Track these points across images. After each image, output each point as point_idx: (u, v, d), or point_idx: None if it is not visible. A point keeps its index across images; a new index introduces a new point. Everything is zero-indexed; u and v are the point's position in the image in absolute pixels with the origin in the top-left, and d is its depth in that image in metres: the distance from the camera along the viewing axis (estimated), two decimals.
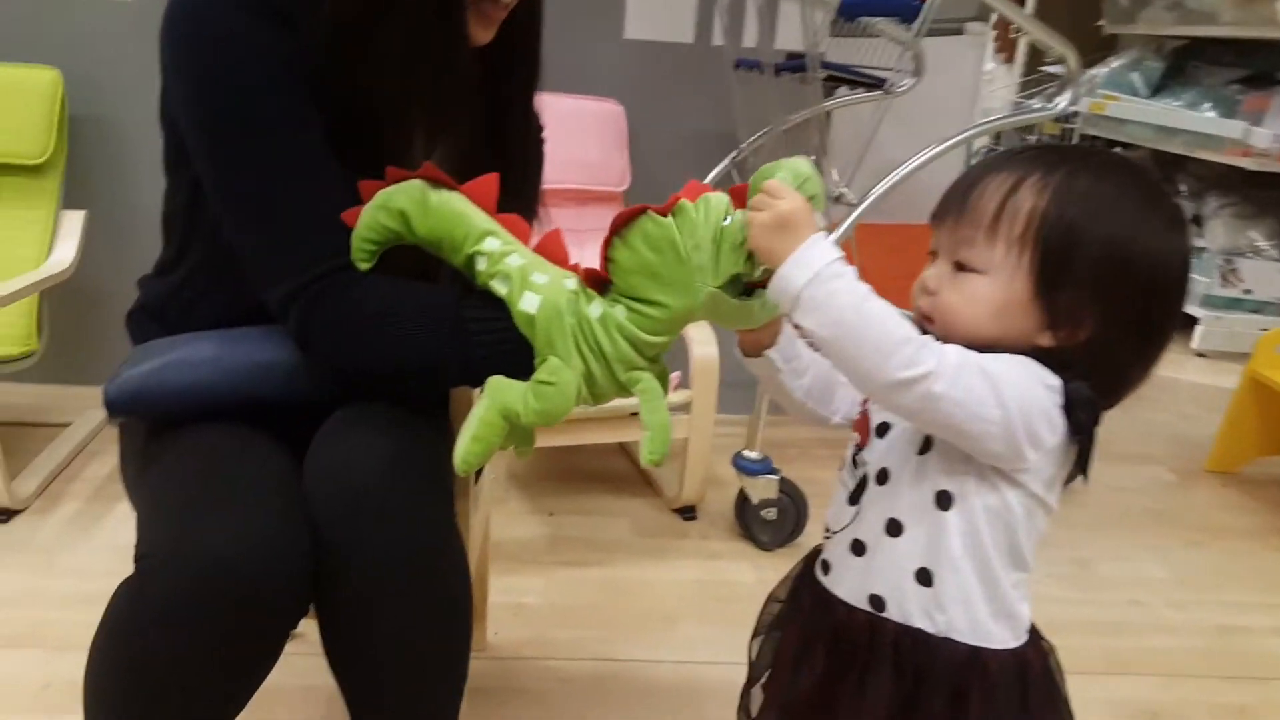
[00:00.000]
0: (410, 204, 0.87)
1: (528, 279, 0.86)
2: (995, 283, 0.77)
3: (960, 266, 0.79)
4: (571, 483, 2.14)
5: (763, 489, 1.87)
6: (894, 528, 0.82)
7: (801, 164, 0.82)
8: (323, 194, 0.90)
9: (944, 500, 0.80)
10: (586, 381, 0.85)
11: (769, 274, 0.78)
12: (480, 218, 0.88)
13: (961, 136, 1.80)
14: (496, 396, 0.84)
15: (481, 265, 0.88)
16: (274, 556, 0.83)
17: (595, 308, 0.85)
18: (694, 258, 0.80)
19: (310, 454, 0.92)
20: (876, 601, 0.83)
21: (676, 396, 1.85)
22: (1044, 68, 4.93)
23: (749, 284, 0.83)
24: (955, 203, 0.80)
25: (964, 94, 2.68)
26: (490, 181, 0.89)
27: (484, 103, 1.05)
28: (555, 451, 2.27)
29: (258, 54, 0.89)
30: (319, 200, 0.90)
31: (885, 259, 2.60)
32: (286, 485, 0.90)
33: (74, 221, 2.10)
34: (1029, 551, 0.81)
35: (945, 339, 0.78)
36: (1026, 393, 0.74)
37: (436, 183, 0.88)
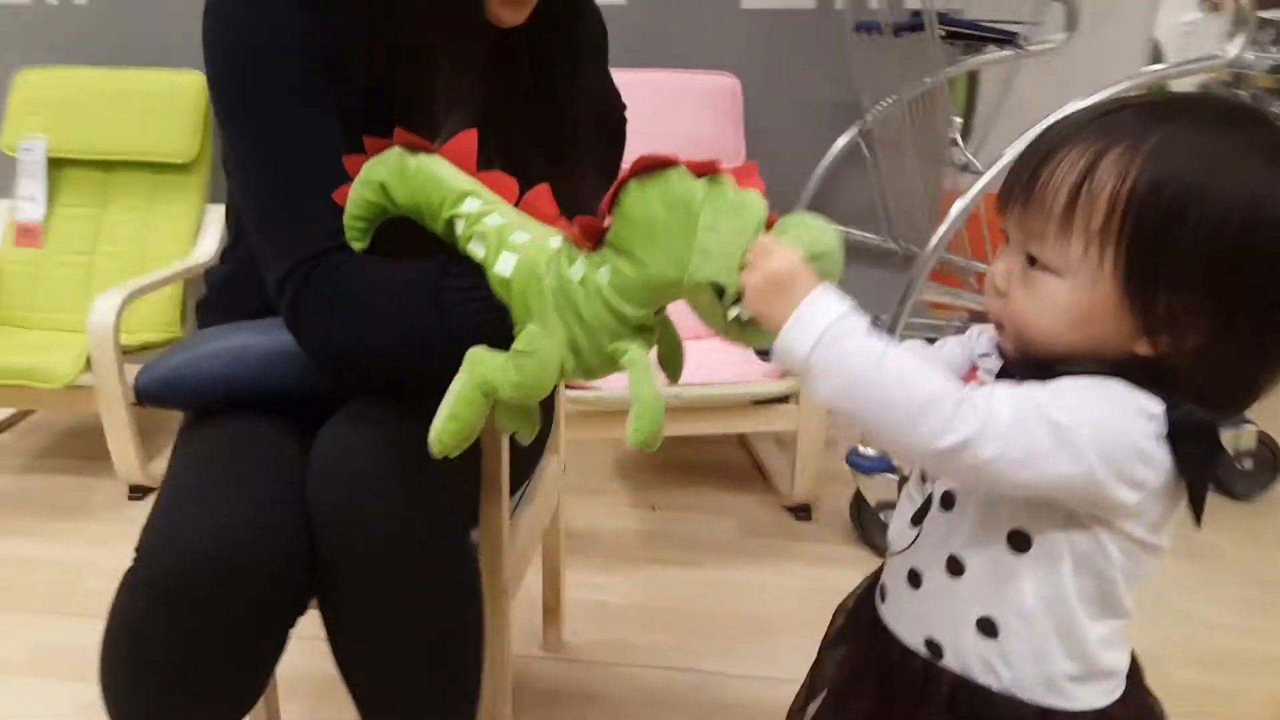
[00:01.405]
0: (388, 174, 0.81)
1: (505, 239, 0.77)
2: (1075, 286, 0.62)
3: (1033, 261, 0.64)
4: (681, 475, 2.04)
5: (880, 489, 1.71)
6: (954, 566, 0.68)
7: (813, 222, 0.72)
8: (324, 175, 0.86)
9: (1019, 541, 0.65)
10: (573, 351, 0.75)
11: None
12: (458, 178, 0.80)
13: (1107, 93, 1.58)
14: (475, 369, 0.76)
15: (460, 228, 0.79)
16: (262, 546, 0.81)
17: (578, 268, 0.74)
18: (704, 238, 0.69)
19: (315, 445, 0.88)
20: (933, 647, 0.70)
21: (782, 385, 1.72)
22: (1264, 13, 4.41)
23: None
24: (1022, 183, 0.64)
25: (1133, 50, 2.40)
26: (468, 139, 0.81)
27: (525, 83, 0.99)
28: (667, 442, 2.17)
29: (276, 34, 0.87)
30: (319, 182, 0.86)
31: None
32: (289, 476, 0.87)
33: (218, 216, 2.19)
34: (1128, 597, 0.66)
35: (1018, 351, 0.65)
36: (1113, 432, 0.59)
37: (414, 148, 0.81)
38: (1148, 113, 0.61)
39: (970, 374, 0.72)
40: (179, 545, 0.81)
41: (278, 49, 0.86)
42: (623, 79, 2.10)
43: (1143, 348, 0.61)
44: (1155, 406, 0.59)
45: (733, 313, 0.69)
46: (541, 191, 0.80)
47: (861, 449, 1.71)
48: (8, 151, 2.16)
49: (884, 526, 1.72)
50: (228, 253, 1.07)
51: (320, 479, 0.85)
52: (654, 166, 0.69)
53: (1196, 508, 0.61)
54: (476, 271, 0.79)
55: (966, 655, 0.68)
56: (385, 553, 0.84)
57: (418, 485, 0.85)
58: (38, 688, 1.37)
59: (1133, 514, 0.62)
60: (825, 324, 0.62)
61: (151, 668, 0.82)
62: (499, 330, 0.78)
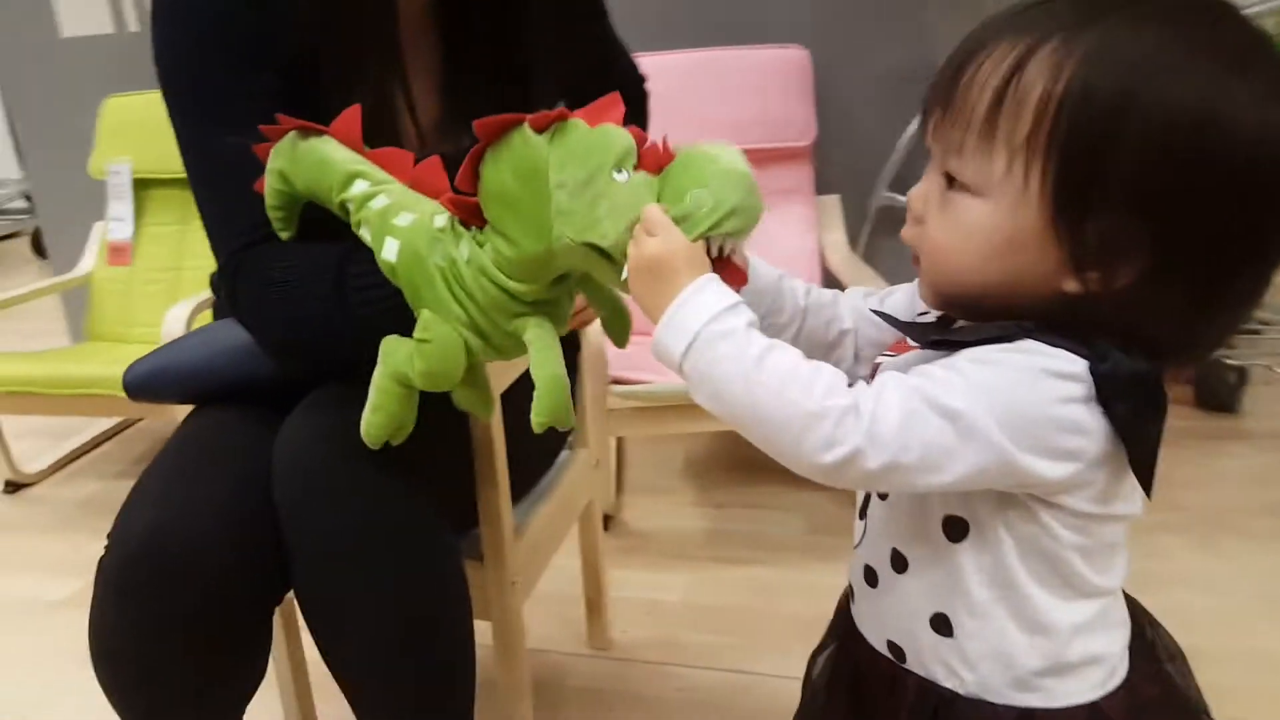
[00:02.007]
0: (284, 161, 0.78)
1: (388, 223, 0.72)
2: (995, 208, 0.53)
3: (951, 181, 0.55)
4: (750, 473, 1.95)
5: None
6: (898, 561, 0.60)
7: (716, 154, 0.61)
8: (251, 168, 0.84)
9: (954, 528, 0.57)
10: (475, 333, 0.70)
11: None
12: (345, 159, 0.76)
13: None
14: (387, 360, 0.73)
15: (351, 212, 0.76)
16: (218, 537, 0.80)
17: (464, 247, 0.69)
18: (557, 198, 0.61)
19: (278, 436, 0.86)
20: (895, 649, 0.62)
21: None
22: None
23: None
24: (943, 87, 0.55)
25: None
26: (352, 115, 0.77)
27: (482, 53, 0.97)
28: (736, 439, 2.10)
29: (210, 29, 0.86)
30: (247, 175, 0.84)
31: None
32: (258, 467, 0.85)
33: None
34: (1102, 574, 0.57)
35: (933, 289, 0.56)
36: (1020, 403, 0.51)
37: (305, 132, 0.77)
38: (1086, 3, 0.52)
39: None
40: (131, 535, 0.80)
41: (210, 45, 0.86)
42: (682, 60, 2.06)
43: (1070, 284, 0.52)
44: (1072, 364, 0.51)
45: (625, 273, 0.61)
46: (432, 164, 0.76)
47: None
48: (97, 176, 2.26)
49: None
50: None
51: (281, 471, 0.84)
52: (501, 130, 0.63)
53: (1140, 473, 0.52)
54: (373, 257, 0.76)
55: (926, 658, 0.60)
56: (345, 546, 0.81)
57: (381, 476, 0.82)
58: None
59: (1072, 487, 0.53)
60: (699, 324, 0.54)
61: (113, 657, 0.83)
62: (404, 316, 0.74)
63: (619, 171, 0.61)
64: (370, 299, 0.78)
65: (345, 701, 1.15)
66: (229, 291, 0.87)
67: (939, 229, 0.56)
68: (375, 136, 0.85)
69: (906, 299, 0.67)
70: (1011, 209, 0.52)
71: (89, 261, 2.32)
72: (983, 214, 0.53)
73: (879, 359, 0.65)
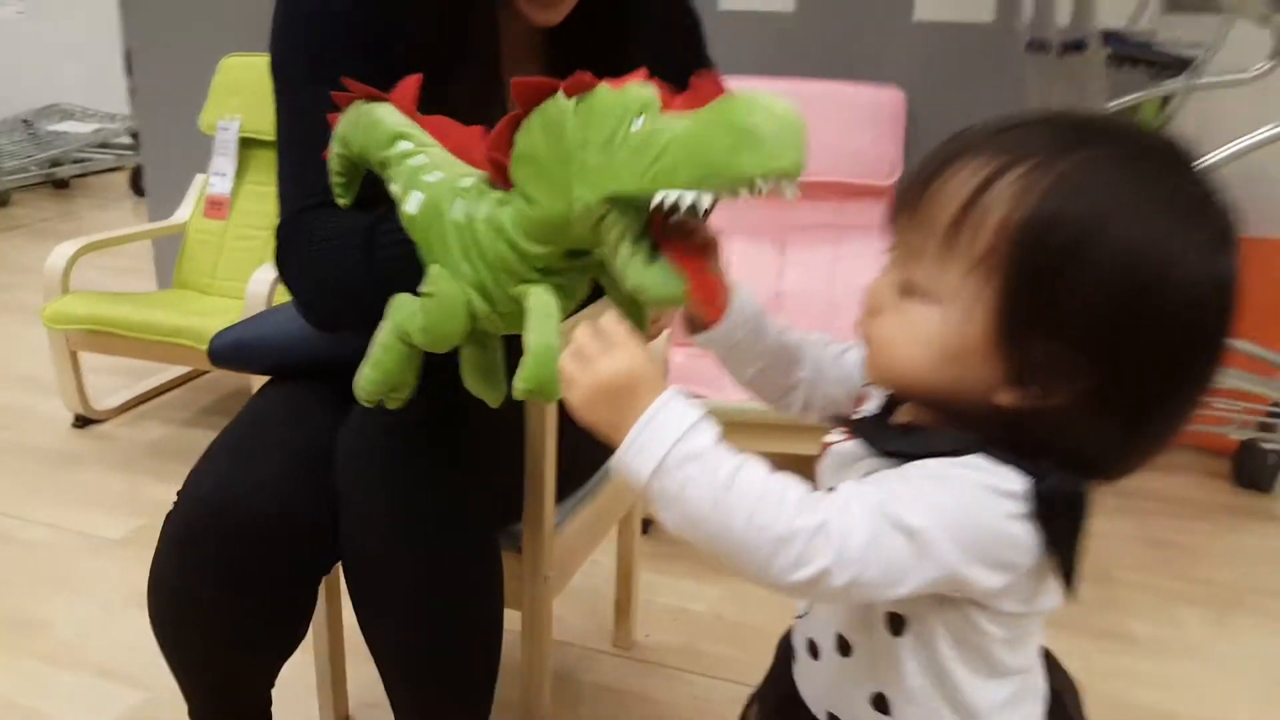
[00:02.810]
0: (344, 125, 0.80)
1: (418, 178, 0.73)
2: (947, 317, 0.55)
3: (912, 286, 0.57)
4: None
5: None
6: (843, 645, 0.64)
7: (761, 103, 0.56)
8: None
9: (895, 624, 0.60)
10: (480, 294, 0.70)
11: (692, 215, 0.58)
12: (394, 122, 0.78)
13: (1270, 133, 1.43)
14: (393, 315, 0.74)
15: (388, 167, 0.78)
16: (273, 506, 0.87)
17: (484, 205, 0.69)
18: (578, 156, 0.61)
19: (346, 420, 0.92)
20: None
21: None
22: None
23: (660, 220, 0.61)
24: (911, 194, 0.57)
25: None
26: (410, 83, 0.79)
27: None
28: (782, 459, 2.13)
29: (327, 9, 0.91)
30: (322, 145, 0.88)
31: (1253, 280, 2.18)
32: (318, 440, 0.92)
33: None
34: (1018, 656, 0.60)
35: (877, 377, 0.59)
36: (972, 523, 0.53)
37: (370, 98, 0.80)
38: (1064, 134, 0.54)
39: (859, 401, 0.67)
40: (200, 496, 0.88)
41: (324, 26, 0.90)
42: (785, 87, 2.09)
43: (1005, 397, 0.54)
44: (1015, 483, 0.53)
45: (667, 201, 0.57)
46: (472, 132, 0.77)
47: None
48: (207, 130, 2.36)
49: None
50: None
51: (344, 454, 0.90)
52: (535, 97, 0.63)
53: (1069, 580, 0.55)
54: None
55: None
56: (393, 529, 0.87)
57: (435, 468, 0.88)
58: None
59: (1004, 594, 0.55)
60: (666, 447, 0.54)
61: (169, 605, 0.91)
62: (423, 274, 0.76)
63: (638, 120, 0.59)
64: (391, 256, 0.79)
65: (374, 668, 1.22)
66: (277, 250, 0.90)
67: (891, 326, 0.58)
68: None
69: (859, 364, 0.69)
70: (962, 319, 0.54)
71: (186, 211, 2.42)
72: (933, 319, 0.55)
73: (828, 439, 0.66)
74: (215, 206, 2.38)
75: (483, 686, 0.98)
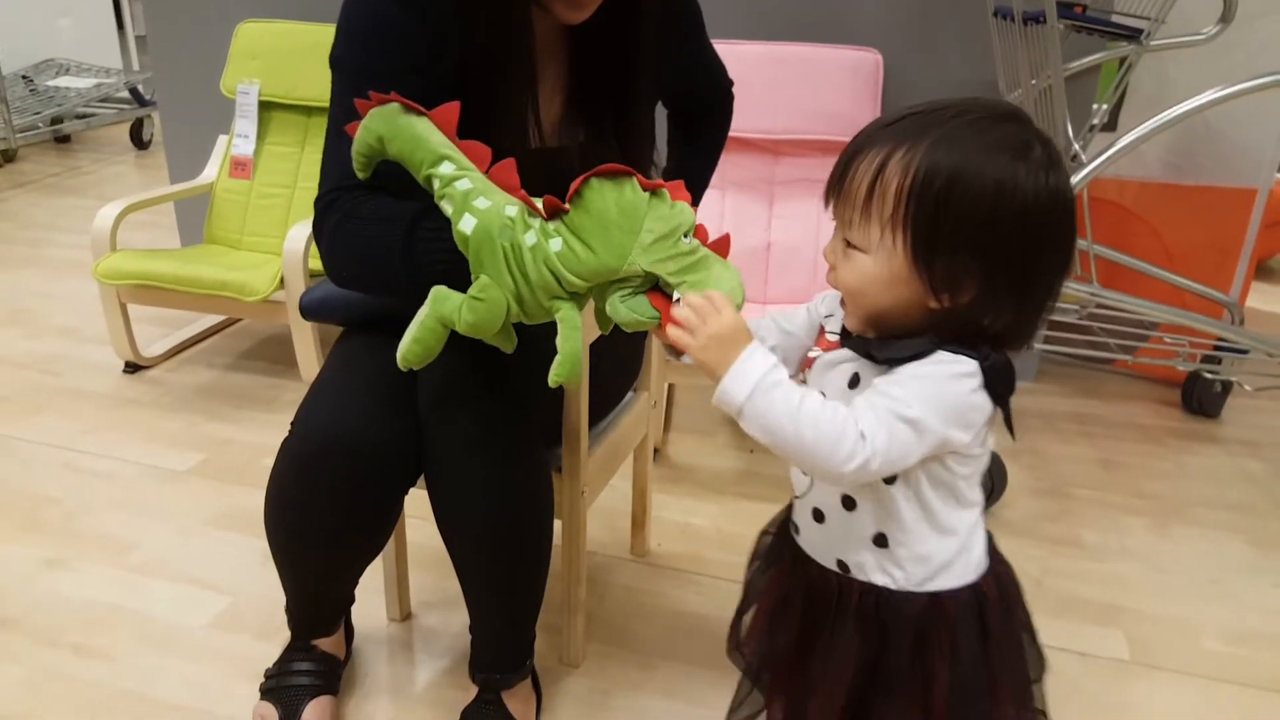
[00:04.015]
0: (383, 126, 0.97)
1: (469, 203, 0.92)
2: (878, 260, 0.79)
3: (849, 244, 0.81)
4: None
5: None
6: (848, 502, 0.86)
7: (731, 277, 0.89)
8: None
9: (889, 478, 0.83)
10: (516, 300, 0.92)
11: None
12: (438, 142, 0.95)
13: (1225, 93, 1.62)
14: (436, 305, 0.94)
15: (435, 186, 0.95)
16: (374, 433, 1.08)
17: (531, 236, 0.90)
18: (644, 238, 0.87)
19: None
20: (842, 565, 0.88)
21: None
22: None
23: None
24: (835, 182, 0.81)
25: None
26: (451, 109, 0.97)
27: (601, 69, 1.16)
28: None
29: (379, 25, 1.06)
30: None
31: (1189, 225, 2.37)
32: (405, 382, 1.11)
33: None
34: (973, 491, 0.85)
35: (855, 314, 0.82)
36: (951, 403, 0.77)
37: (407, 108, 0.96)
38: (925, 118, 0.78)
39: (819, 337, 0.91)
40: (314, 427, 1.09)
41: (376, 37, 1.06)
42: (765, 50, 2.27)
43: (933, 303, 0.78)
44: (969, 365, 0.77)
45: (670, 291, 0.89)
46: (507, 164, 0.95)
47: None
48: (227, 93, 2.51)
49: None
50: None
51: (425, 390, 1.10)
52: (613, 174, 0.88)
53: (1009, 424, 0.81)
54: (446, 223, 0.95)
55: (867, 567, 0.86)
56: (468, 447, 1.08)
57: (500, 400, 1.09)
58: (227, 539, 1.72)
59: (970, 444, 0.80)
60: (756, 379, 0.77)
61: (287, 512, 1.12)
62: (453, 272, 0.95)
63: (685, 237, 0.89)
64: (434, 252, 0.97)
65: (431, 574, 1.45)
66: (316, 220, 1.08)
67: (845, 273, 0.82)
68: (503, 131, 1.06)
69: (809, 316, 0.94)
70: (886, 260, 0.78)
71: (211, 171, 2.57)
72: (869, 264, 0.79)
73: (813, 354, 0.91)
74: (239, 167, 2.53)
75: (538, 580, 1.20)
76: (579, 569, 1.33)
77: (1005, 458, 1.88)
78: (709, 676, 1.40)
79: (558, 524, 1.24)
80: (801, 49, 2.25)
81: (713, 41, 1.39)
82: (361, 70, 1.07)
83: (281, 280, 2.14)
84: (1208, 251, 2.35)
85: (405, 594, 1.51)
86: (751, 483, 1.97)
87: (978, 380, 0.77)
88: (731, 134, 1.49)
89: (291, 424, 1.11)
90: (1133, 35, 1.88)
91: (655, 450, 1.78)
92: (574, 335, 0.92)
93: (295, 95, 2.48)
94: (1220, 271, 2.35)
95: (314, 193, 1.09)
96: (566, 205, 0.90)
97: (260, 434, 2.11)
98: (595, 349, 1.20)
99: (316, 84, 2.45)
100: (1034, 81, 1.97)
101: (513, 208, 0.93)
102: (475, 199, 0.93)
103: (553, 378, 0.92)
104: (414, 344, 0.95)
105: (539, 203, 0.92)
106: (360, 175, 1.04)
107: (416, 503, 1.19)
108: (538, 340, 1.02)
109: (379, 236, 1.02)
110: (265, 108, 2.51)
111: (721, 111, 1.46)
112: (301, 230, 2.12)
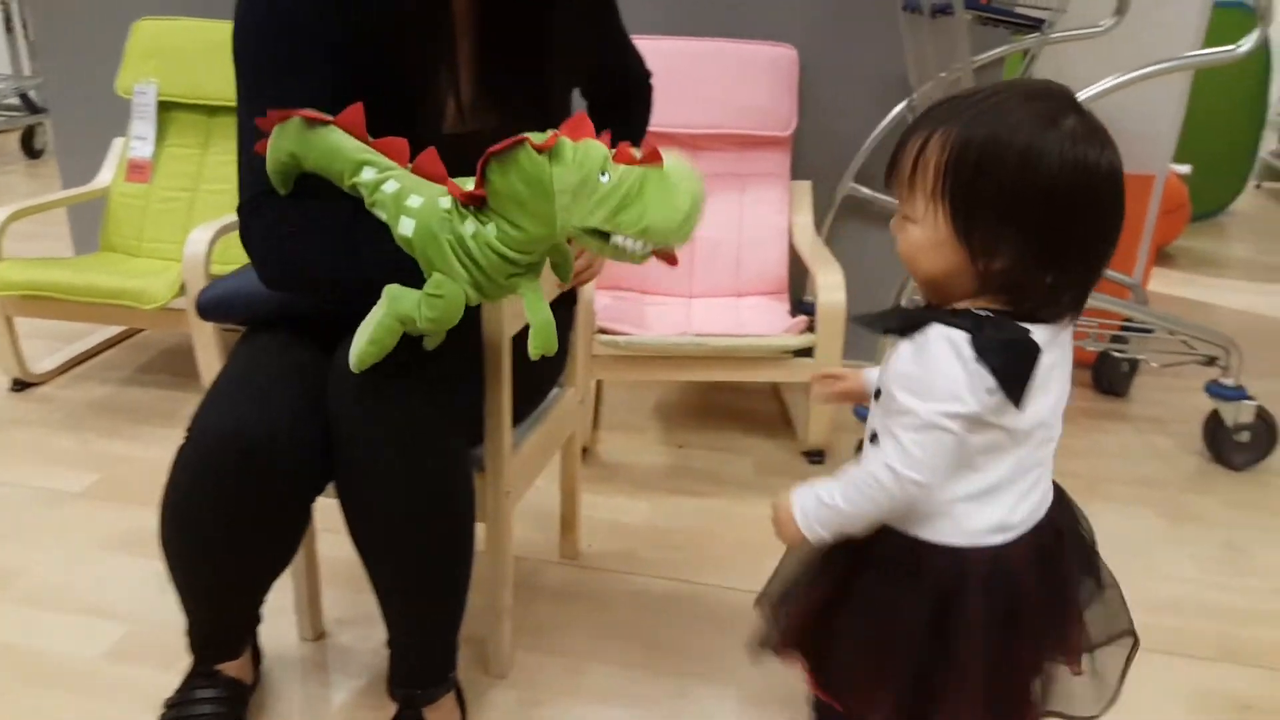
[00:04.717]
0: (292, 143, 0.96)
1: (402, 204, 0.92)
2: (924, 229, 0.86)
3: (905, 217, 0.88)
4: (711, 419, 2.19)
5: None
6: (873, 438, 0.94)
7: (665, 199, 0.90)
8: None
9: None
10: (475, 288, 0.92)
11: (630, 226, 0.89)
12: (353, 149, 0.94)
13: (1143, 71, 1.65)
14: (393, 305, 0.93)
15: (364, 195, 0.95)
16: (278, 435, 1.01)
17: (469, 225, 0.91)
18: (560, 199, 0.86)
19: (334, 356, 1.05)
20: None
21: (801, 340, 1.85)
22: None
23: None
24: (891, 164, 0.89)
25: (1186, 31, 2.42)
26: (355, 111, 0.95)
27: (513, 44, 1.13)
28: (702, 387, 2.33)
29: (287, 11, 1.01)
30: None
31: None
32: (311, 381, 1.05)
33: None
34: (992, 462, 0.89)
35: (914, 278, 0.91)
36: (961, 388, 0.83)
37: (312, 121, 0.95)
38: (964, 100, 0.84)
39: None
40: (211, 429, 1.01)
41: (277, 26, 1.01)
42: (686, 46, 2.25)
43: (975, 269, 0.84)
44: (957, 336, 0.82)
45: (615, 240, 0.89)
46: (430, 155, 0.95)
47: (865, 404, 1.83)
48: (124, 94, 2.39)
49: None
50: None
51: (335, 384, 1.03)
52: (507, 149, 0.86)
53: (1013, 396, 0.84)
54: (381, 224, 0.95)
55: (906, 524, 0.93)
56: (380, 443, 1.02)
57: (416, 393, 1.03)
58: (123, 563, 1.62)
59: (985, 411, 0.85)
60: (808, 523, 0.92)
61: (184, 525, 1.04)
62: (408, 277, 0.94)
63: (603, 175, 0.87)
64: (380, 260, 0.96)
65: (345, 590, 1.38)
66: (243, 227, 1.04)
67: (903, 243, 0.89)
68: (422, 113, 1.03)
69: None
70: (932, 229, 0.85)
71: (107, 175, 2.45)
72: (918, 233, 0.86)
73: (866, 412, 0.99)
74: (137, 170, 2.41)
75: (460, 587, 1.14)
76: (504, 573, 1.28)
77: None
78: (644, 678, 1.37)
79: (481, 527, 1.19)
80: (719, 45, 2.25)
81: (631, 37, 1.37)
82: (267, 63, 1.02)
83: (182, 287, 2.04)
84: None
85: (318, 612, 1.44)
86: (683, 477, 1.94)
87: (967, 352, 0.82)
88: (651, 128, 1.46)
89: (187, 429, 1.04)
90: (1035, 26, 1.91)
91: (583, 450, 1.74)
92: (540, 306, 0.94)
93: (197, 95, 2.38)
94: (1123, 255, 2.43)
95: (218, 195, 1.07)
96: (482, 192, 0.89)
97: (160, 450, 2.00)
98: (516, 342, 1.15)
99: (219, 82, 2.36)
100: (943, 74, 2.00)
101: (445, 199, 0.92)
102: (407, 198, 0.92)
103: (532, 351, 0.94)
104: (370, 345, 0.95)
105: (470, 184, 0.90)
106: (281, 190, 1.02)
107: (327, 515, 1.12)
108: (453, 331, 0.98)
109: (316, 242, 1.01)
110: (165, 109, 2.41)
111: (640, 101, 1.43)
112: (203, 233, 2.02)
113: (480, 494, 1.18)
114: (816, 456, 2.02)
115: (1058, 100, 0.83)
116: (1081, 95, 1.71)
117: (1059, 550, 0.94)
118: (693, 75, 2.23)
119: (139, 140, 2.41)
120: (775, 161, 2.29)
